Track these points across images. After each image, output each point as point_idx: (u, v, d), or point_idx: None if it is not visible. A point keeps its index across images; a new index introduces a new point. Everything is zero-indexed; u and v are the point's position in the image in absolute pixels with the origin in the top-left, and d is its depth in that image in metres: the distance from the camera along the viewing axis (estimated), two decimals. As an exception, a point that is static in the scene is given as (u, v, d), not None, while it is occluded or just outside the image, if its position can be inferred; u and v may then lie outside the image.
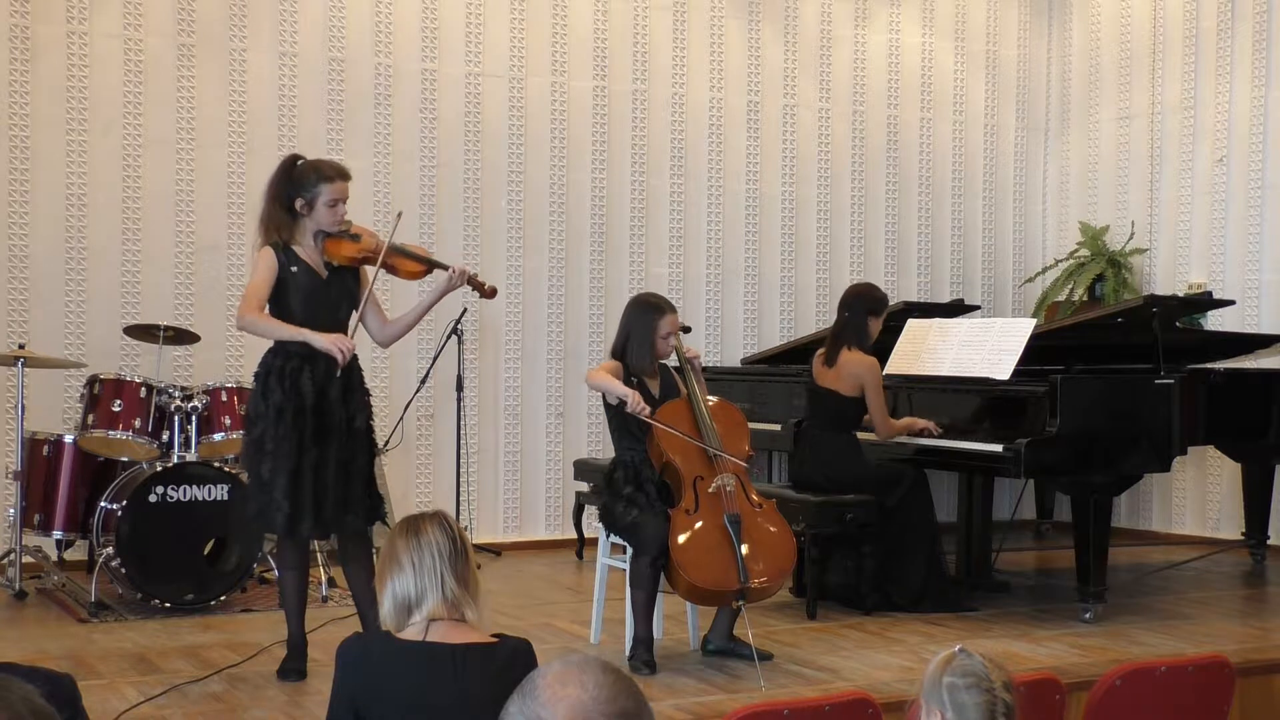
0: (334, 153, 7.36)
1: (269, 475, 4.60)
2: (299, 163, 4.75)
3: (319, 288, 4.68)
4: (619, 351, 5.16)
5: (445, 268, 4.83)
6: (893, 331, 6.64)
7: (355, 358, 4.78)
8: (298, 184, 4.68)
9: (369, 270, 4.85)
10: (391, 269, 4.81)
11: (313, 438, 4.62)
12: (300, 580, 4.79)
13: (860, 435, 6.15)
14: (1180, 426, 5.81)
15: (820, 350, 6.17)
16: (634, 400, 4.92)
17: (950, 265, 9.21)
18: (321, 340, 4.57)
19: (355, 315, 4.86)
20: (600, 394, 5.17)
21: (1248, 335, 7.43)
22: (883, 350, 6.60)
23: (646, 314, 5.12)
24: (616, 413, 5.08)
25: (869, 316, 6.07)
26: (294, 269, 4.65)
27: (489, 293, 5.04)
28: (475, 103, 7.80)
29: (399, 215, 4.90)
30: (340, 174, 4.71)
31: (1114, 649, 5.25)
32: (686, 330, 5.50)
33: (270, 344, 4.73)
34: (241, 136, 7.29)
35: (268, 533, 4.73)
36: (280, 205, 4.69)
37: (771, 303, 8.62)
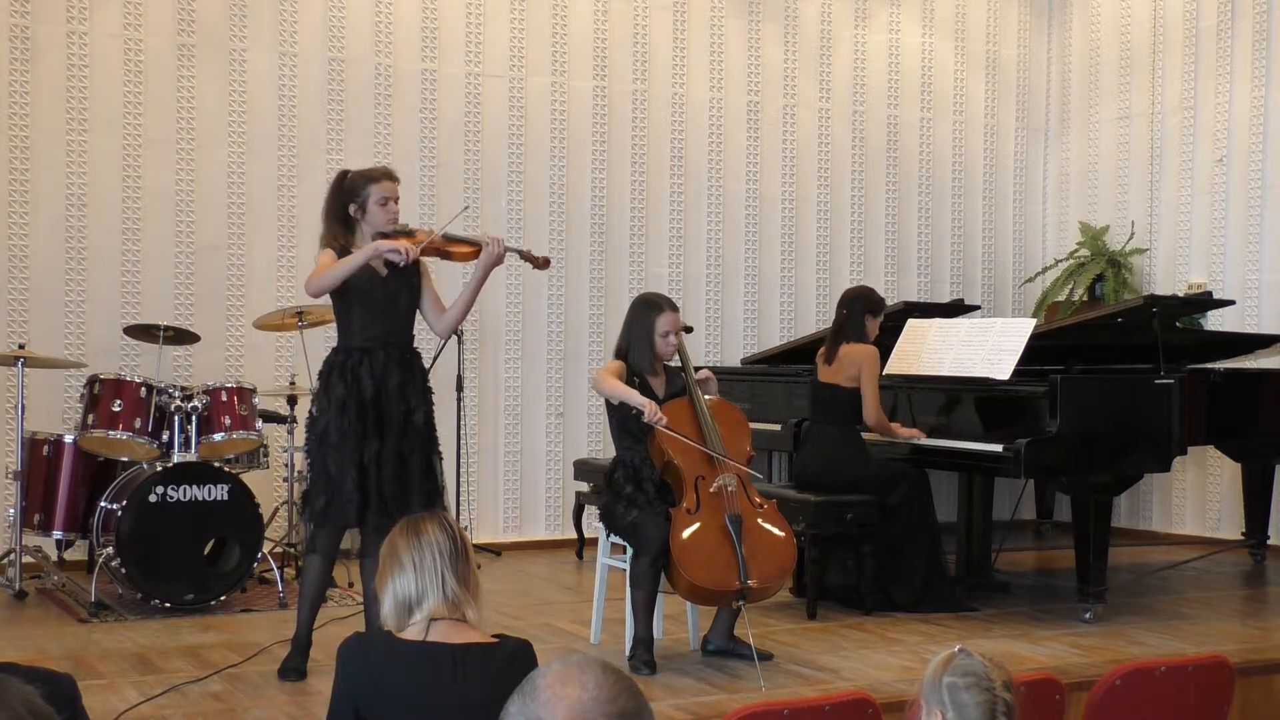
0: (334, 153, 7.37)
1: (336, 470, 4.65)
2: (348, 175, 4.84)
3: (377, 285, 4.73)
4: (622, 351, 5.17)
5: (489, 242, 4.87)
6: (893, 331, 6.64)
7: (418, 354, 4.87)
8: (349, 192, 4.78)
9: (427, 264, 4.90)
10: (446, 254, 4.88)
11: (375, 430, 4.67)
12: (325, 570, 4.81)
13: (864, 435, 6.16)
14: (1180, 426, 5.81)
15: (821, 350, 6.20)
16: (651, 411, 4.92)
17: (950, 265, 9.21)
18: (385, 243, 4.62)
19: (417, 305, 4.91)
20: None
21: (1248, 335, 7.43)
22: (883, 350, 6.61)
23: (645, 313, 5.13)
24: (617, 412, 5.09)
25: (867, 316, 6.10)
26: None
27: (542, 263, 5.10)
28: (475, 103, 7.80)
29: (464, 208, 4.98)
30: (386, 174, 4.81)
31: (1114, 649, 5.25)
32: (689, 330, 5.50)
33: (335, 343, 4.81)
34: (241, 136, 7.29)
35: (341, 526, 4.74)
36: (336, 219, 4.79)
37: (771, 303, 8.62)
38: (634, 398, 4.98)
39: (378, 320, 4.74)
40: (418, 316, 4.90)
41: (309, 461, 4.79)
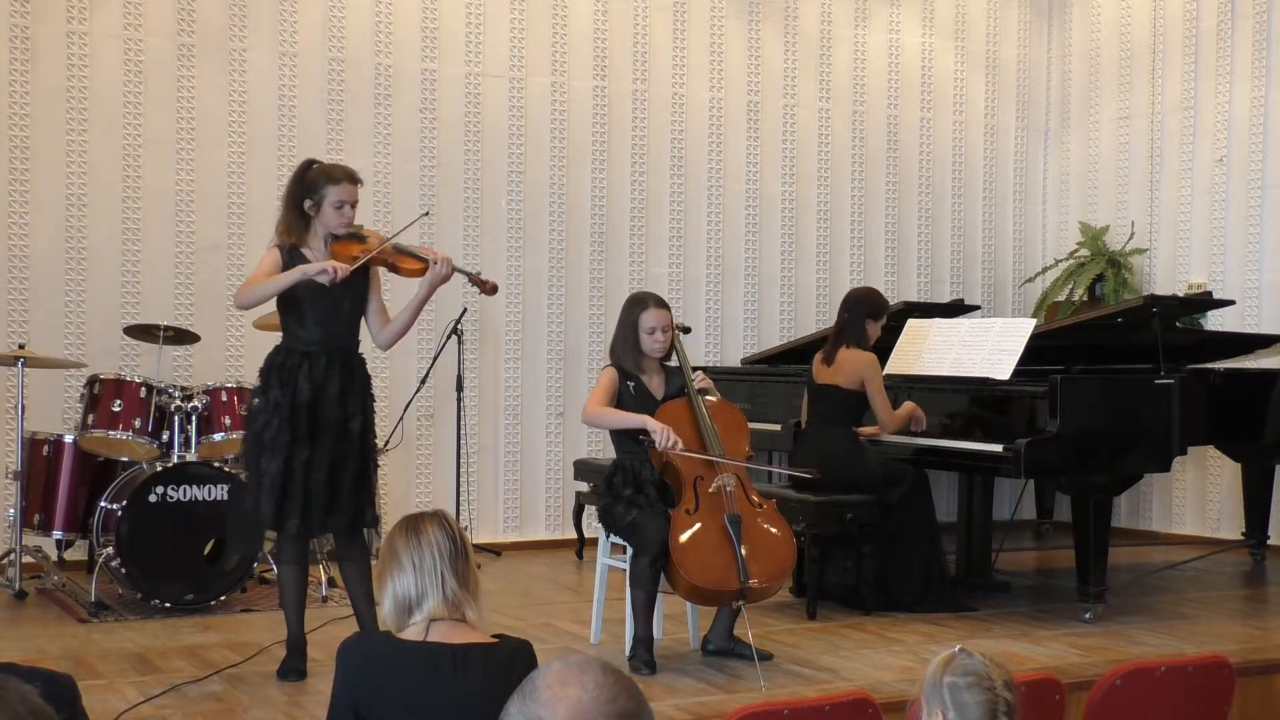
0: (334, 153, 7.36)
1: (261, 469, 4.63)
2: (313, 166, 4.79)
3: (324, 289, 4.68)
4: (614, 351, 5.17)
5: (435, 261, 4.81)
6: (893, 331, 6.64)
7: (362, 361, 4.82)
8: (308, 186, 4.73)
9: (378, 271, 4.87)
10: (394, 268, 4.83)
11: (306, 435, 4.64)
12: (298, 576, 4.79)
13: (862, 432, 6.15)
14: (1180, 426, 5.81)
15: (820, 352, 6.20)
16: (664, 435, 4.88)
17: (950, 265, 9.21)
18: (313, 266, 4.58)
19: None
20: (609, 402, 5.12)
21: (1248, 335, 7.43)
22: (883, 350, 6.61)
23: (631, 310, 5.12)
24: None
25: (868, 320, 6.11)
26: None
27: (490, 289, 5.03)
28: (475, 103, 7.80)
29: (425, 213, 4.94)
30: (348, 176, 4.75)
31: (1114, 649, 5.25)
32: (686, 330, 5.48)
33: (277, 341, 4.77)
34: (241, 136, 7.29)
35: (280, 532, 4.73)
36: (293, 208, 4.75)
37: (771, 303, 8.62)
38: (634, 421, 4.96)
39: (321, 324, 4.69)
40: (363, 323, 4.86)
41: (244, 460, 4.77)
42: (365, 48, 7.56)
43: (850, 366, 6.01)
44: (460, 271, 4.92)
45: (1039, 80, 9.47)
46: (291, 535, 4.71)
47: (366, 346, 4.89)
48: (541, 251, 7.96)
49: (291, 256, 4.70)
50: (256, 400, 4.71)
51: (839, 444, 6.06)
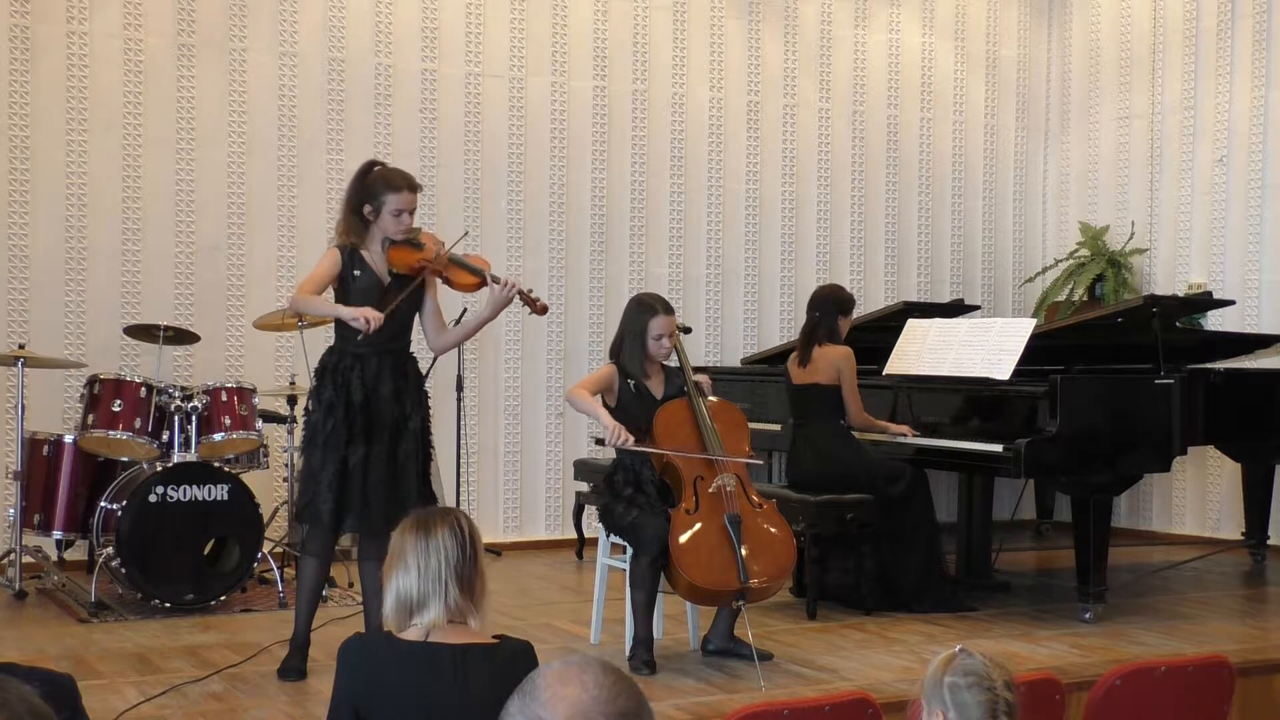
0: (334, 153, 7.37)
1: (319, 469, 4.65)
2: (374, 169, 4.82)
3: (377, 290, 4.72)
4: (616, 350, 5.16)
5: (498, 282, 4.84)
6: (893, 331, 6.65)
7: (414, 360, 4.85)
8: (368, 190, 4.75)
9: (434, 278, 4.88)
10: (447, 280, 4.86)
11: (362, 434, 4.66)
12: (321, 571, 4.82)
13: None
14: (1180, 426, 5.81)
15: (793, 355, 6.21)
16: (613, 434, 4.91)
17: (950, 265, 9.21)
18: (349, 311, 4.61)
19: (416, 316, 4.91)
20: (603, 391, 5.14)
21: (1248, 335, 7.43)
22: (883, 350, 6.61)
23: (640, 315, 5.11)
24: (616, 415, 5.07)
25: (839, 316, 6.14)
26: (357, 272, 4.72)
27: (540, 309, 5.03)
28: (475, 103, 7.80)
29: (464, 234, 5.04)
30: (408, 185, 4.77)
31: (1114, 649, 5.25)
32: (686, 331, 5.49)
33: (330, 342, 4.81)
34: (241, 136, 7.29)
35: (312, 524, 4.73)
36: (353, 210, 4.77)
37: (771, 303, 8.62)
38: (602, 417, 4.97)
39: (380, 328, 4.69)
40: (416, 325, 4.89)
41: (304, 460, 4.80)
42: (365, 48, 7.56)
43: (827, 362, 6.03)
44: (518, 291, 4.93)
45: (1039, 80, 9.47)
46: (334, 532, 4.72)
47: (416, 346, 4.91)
48: (541, 251, 7.96)
49: (351, 258, 4.73)
50: (310, 402, 4.75)
51: (833, 441, 6.06)
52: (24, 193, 6.84)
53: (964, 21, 9.21)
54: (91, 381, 6.11)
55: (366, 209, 4.74)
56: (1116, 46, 9.01)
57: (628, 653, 4.96)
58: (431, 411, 4.93)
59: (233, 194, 7.27)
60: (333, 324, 4.89)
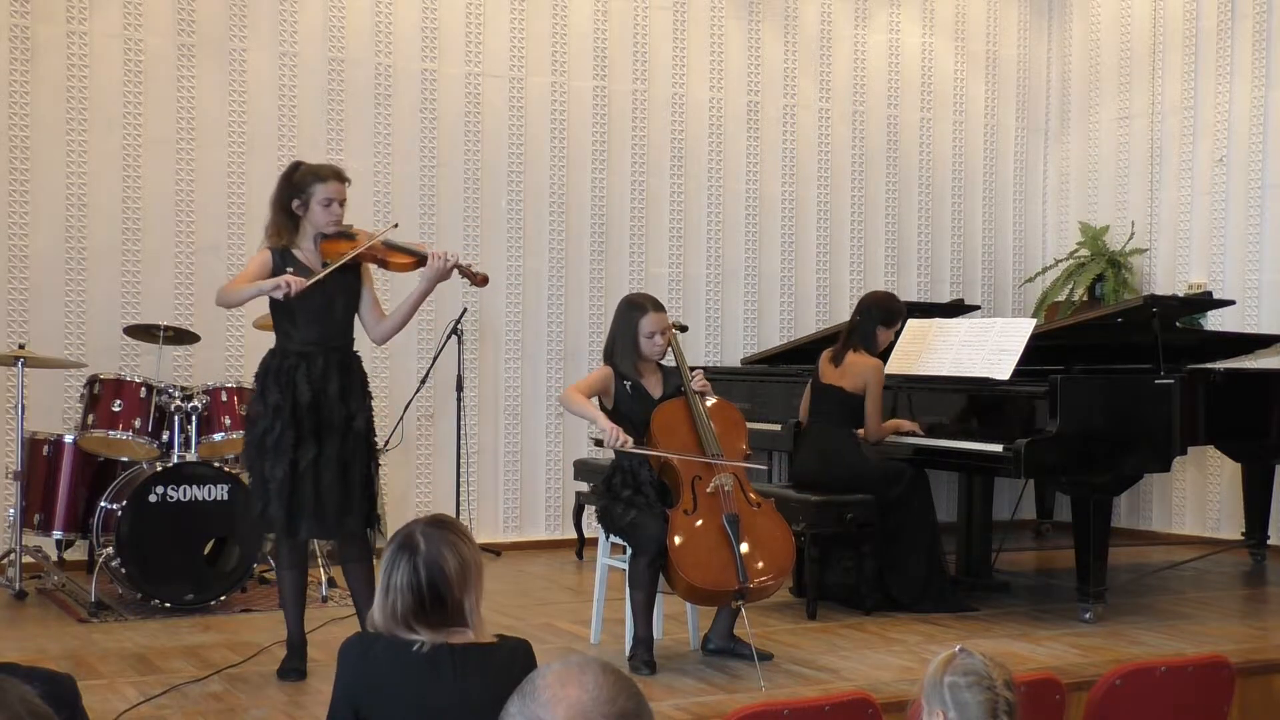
0: (334, 153, 7.36)
1: (268, 474, 4.61)
2: (299, 167, 4.79)
3: (315, 289, 4.67)
4: (609, 353, 5.16)
5: (436, 256, 4.79)
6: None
7: (358, 357, 4.80)
8: (296, 186, 4.73)
9: (369, 269, 4.87)
10: (383, 263, 4.83)
11: (312, 435, 4.63)
12: (298, 580, 4.79)
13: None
14: (1180, 426, 5.81)
15: (828, 350, 6.20)
16: (611, 436, 4.91)
17: (950, 265, 9.21)
18: (269, 282, 4.57)
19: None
20: (599, 393, 5.14)
21: (1248, 335, 7.43)
22: (884, 351, 6.60)
23: (630, 314, 5.11)
24: (614, 417, 5.07)
25: (880, 326, 6.11)
26: (289, 269, 4.66)
27: (480, 281, 4.99)
28: (475, 103, 7.80)
29: (394, 225, 4.99)
30: (335, 174, 4.75)
31: (1114, 649, 5.25)
32: (683, 329, 5.48)
33: (271, 345, 4.77)
34: (241, 136, 7.29)
35: (268, 533, 4.73)
36: (282, 210, 4.74)
37: (771, 303, 8.62)
38: (598, 420, 4.97)
39: (315, 324, 4.68)
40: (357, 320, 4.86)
41: (247, 466, 4.75)
42: (365, 48, 7.56)
43: (856, 371, 6.02)
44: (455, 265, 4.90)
45: (1039, 80, 9.47)
46: (300, 540, 4.71)
47: (362, 345, 4.89)
48: (541, 251, 7.96)
49: (283, 257, 4.69)
50: (255, 405, 4.70)
51: (839, 443, 6.06)
52: (24, 193, 6.84)
53: (964, 21, 9.21)
54: (91, 381, 6.11)
55: (295, 204, 4.71)
56: (1116, 46, 9.01)
57: (628, 653, 4.96)
58: (374, 412, 4.86)
59: (233, 194, 7.26)
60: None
